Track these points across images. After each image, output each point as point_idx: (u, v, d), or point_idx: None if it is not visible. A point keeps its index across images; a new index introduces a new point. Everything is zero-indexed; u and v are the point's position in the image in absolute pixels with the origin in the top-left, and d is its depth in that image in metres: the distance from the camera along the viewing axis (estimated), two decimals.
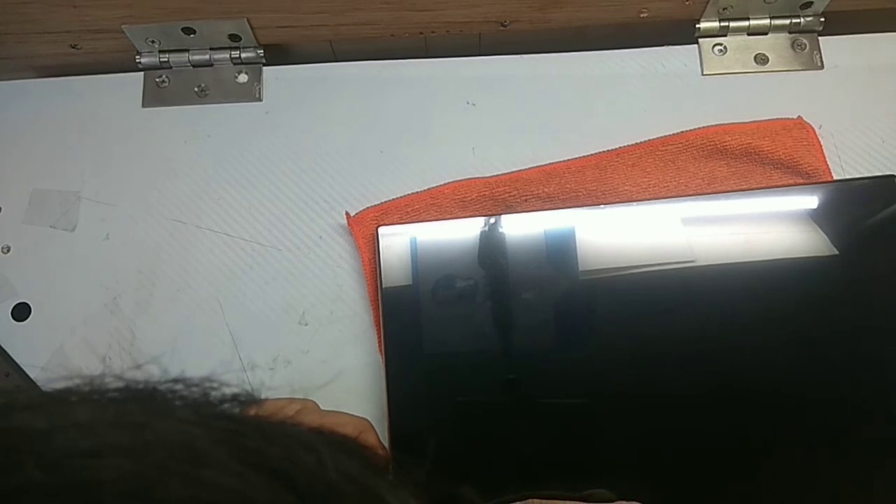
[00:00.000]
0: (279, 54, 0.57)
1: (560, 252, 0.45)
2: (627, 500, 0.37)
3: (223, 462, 0.16)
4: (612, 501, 0.38)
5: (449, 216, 0.50)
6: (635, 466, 0.42)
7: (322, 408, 0.42)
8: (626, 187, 0.50)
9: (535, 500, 0.36)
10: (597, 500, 0.38)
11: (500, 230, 0.46)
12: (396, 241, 0.46)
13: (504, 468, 0.42)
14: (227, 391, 0.20)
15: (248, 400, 0.20)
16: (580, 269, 0.45)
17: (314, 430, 0.20)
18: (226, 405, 0.19)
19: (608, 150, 0.52)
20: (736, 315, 0.44)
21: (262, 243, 0.51)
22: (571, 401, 0.43)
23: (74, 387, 0.18)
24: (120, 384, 0.18)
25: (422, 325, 0.44)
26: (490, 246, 0.45)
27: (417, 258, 0.45)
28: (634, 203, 0.47)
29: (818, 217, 0.45)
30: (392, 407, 0.43)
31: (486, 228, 0.46)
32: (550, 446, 0.42)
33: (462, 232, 0.46)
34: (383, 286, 0.45)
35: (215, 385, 0.20)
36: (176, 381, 0.19)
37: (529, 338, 0.44)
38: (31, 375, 0.48)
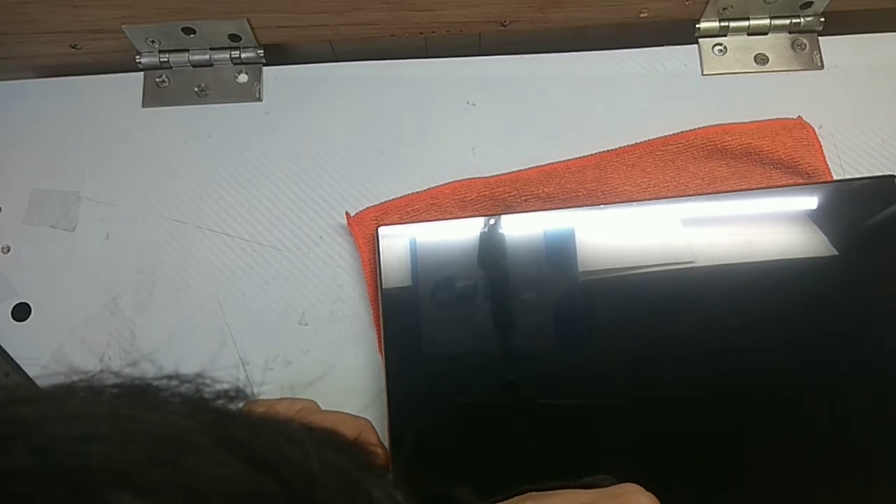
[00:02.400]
0: (279, 54, 0.57)
1: (560, 252, 0.45)
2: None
3: (209, 451, 0.16)
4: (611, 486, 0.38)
5: (449, 216, 0.50)
6: (635, 467, 0.42)
7: (322, 408, 0.42)
8: (626, 187, 0.50)
9: (534, 494, 0.36)
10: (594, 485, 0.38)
11: (500, 230, 0.46)
12: (396, 241, 0.46)
13: (504, 469, 0.42)
14: (220, 387, 0.20)
15: (240, 396, 0.20)
16: (580, 269, 0.45)
17: (304, 426, 0.20)
18: (219, 401, 0.20)
19: (608, 150, 0.52)
20: (736, 315, 0.44)
21: (262, 243, 0.51)
22: (571, 402, 0.43)
23: (72, 383, 0.18)
24: (117, 380, 0.19)
25: (422, 326, 0.44)
26: (490, 246, 0.45)
27: (417, 259, 0.45)
28: (634, 203, 0.47)
29: (818, 217, 0.45)
30: (392, 407, 0.43)
31: (486, 229, 0.46)
32: (550, 447, 0.42)
33: (462, 232, 0.46)
34: (383, 286, 0.45)
35: (208, 381, 0.20)
36: (170, 377, 0.19)
37: (529, 338, 0.44)
38: (31, 375, 0.48)
